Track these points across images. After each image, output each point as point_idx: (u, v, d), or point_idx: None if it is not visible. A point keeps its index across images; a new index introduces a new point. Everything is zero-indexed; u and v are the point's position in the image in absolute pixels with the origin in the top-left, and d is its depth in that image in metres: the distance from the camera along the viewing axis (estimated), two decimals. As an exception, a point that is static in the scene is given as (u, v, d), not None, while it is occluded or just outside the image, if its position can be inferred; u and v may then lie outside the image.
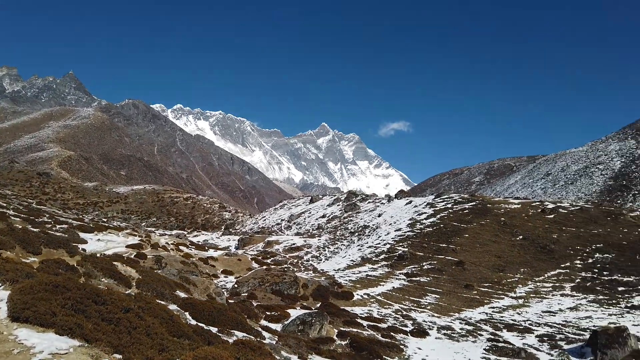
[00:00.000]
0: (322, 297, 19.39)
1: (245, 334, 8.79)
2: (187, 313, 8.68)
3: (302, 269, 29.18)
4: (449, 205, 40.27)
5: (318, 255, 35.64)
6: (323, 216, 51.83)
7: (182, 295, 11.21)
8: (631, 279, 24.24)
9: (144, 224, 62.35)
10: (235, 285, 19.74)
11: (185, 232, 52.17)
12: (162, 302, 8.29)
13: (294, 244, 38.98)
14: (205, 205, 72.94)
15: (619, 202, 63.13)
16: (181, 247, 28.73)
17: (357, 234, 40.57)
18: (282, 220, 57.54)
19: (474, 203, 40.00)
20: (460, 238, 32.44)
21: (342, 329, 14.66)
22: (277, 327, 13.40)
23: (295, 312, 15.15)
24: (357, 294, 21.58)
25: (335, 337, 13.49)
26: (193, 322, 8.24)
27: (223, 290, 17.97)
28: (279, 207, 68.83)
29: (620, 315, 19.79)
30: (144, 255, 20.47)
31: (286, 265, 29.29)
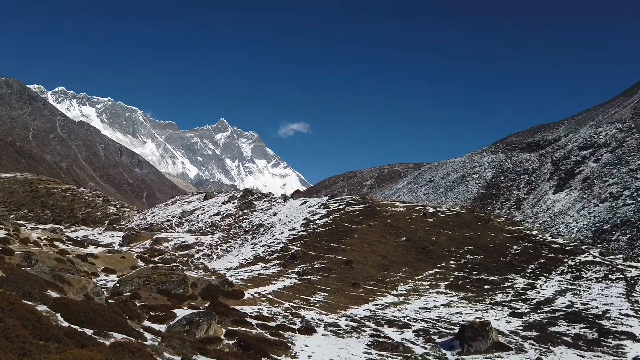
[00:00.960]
0: (212, 297, 18.99)
1: (125, 336, 8.31)
2: (58, 314, 7.98)
3: (193, 267, 28.30)
4: (342, 207, 41.70)
5: (210, 253, 34.82)
6: (217, 214, 50.73)
7: (54, 295, 10.27)
8: (495, 278, 27.12)
9: (12, 216, 55.87)
10: (117, 285, 18.55)
11: (62, 227, 47.70)
12: (29, 303, 7.53)
13: (184, 242, 37.64)
14: (86, 198, 67.34)
15: (489, 208, 70.38)
16: (56, 243, 26.26)
17: (251, 232, 40.34)
18: (173, 216, 55.24)
19: (365, 205, 41.85)
20: (350, 238, 33.71)
21: (230, 328, 14.50)
22: (161, 327, 12.86)
23: (182, 312, 14.66)
24: (248, 293, 21.47)
25: (223, 337, 13.30)
26: (65, 324, 7.60)
27: (103, 290, 16.77)
28: (170, 202, 65.95)
29: (485, 311, 22.07)
30: (11, 251, 18.38)
31: (175, 264, 28.19)
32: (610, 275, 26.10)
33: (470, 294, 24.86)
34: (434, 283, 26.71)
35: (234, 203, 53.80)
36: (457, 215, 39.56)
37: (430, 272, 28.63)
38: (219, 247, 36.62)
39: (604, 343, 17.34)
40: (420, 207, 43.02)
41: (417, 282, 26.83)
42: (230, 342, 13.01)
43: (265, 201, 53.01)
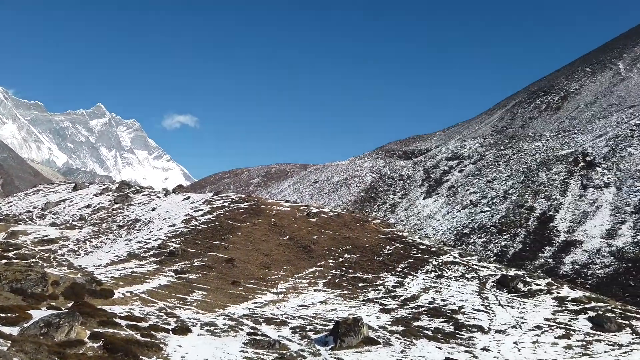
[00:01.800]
0: (76, 296, 17.47)
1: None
2: None
3: (55, 264, 25.73)
4: (226, 204, 41.05)
5: (77, 249, 31.94)
6: (88, 206, 46.70)
7: None
8: (369, 277, 28.76)
9: None
10: (-41, 284, 16.17)
11: None
12: None
13: (47, 236, 34.03)
14: None
15: (367, 210, 74.41)
16: None
17: (126, 227, 37.83)
18: (34, 207, 49.61)
19: (250, 203, 41.66)
20: (233, 236, 33.33)
21: (96, 330, 13.47)
22: (13, 330, 11.51)
23: (39, 313, 13.27)
24: (119, 292, 20.14)
25: (86, 340, 12.32)
26: None
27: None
28: (32, 192, 59.14)
29: (358, 308, 23.32)
30: None
31: (34, 260, 25.37)
32: (466, 275, 29.14)
33: (346, 292, 26.06)
34: (313, 281, 27.52)
35: (107, 195, 49.98)
36: (338, 216, 41.18)
37: (310, 270, 29.44)
38: (87, 242, 33.76)
39: (458, 335, 19.36)
40: (304, 207, 44.01)
41: (297, 280, 27.42)
42: (95, 345, 12.10)
43: (144, 195, 50.07)
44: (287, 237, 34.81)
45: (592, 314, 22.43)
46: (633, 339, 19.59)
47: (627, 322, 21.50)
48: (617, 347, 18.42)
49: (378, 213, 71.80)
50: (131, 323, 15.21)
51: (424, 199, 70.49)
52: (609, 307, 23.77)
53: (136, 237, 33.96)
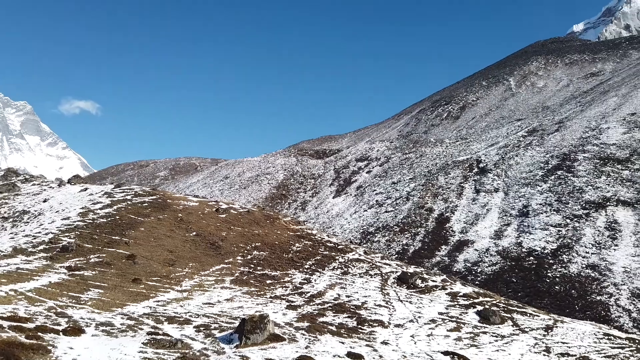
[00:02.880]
0: (-53, 296, 15.52)
1: None
2: None
3: None
4: (129, 197, 38.85)
5: (-51, 243, 28.33)
6: (-35, 195, 41.64)
7: None
8: (277, 273, 28.88)
9: None
10: None
11: None
12: None
13: None
14: None
15: (278, 208, 74.60)
16: None
17: (12, 220, 34.33)
18: None
19: (155, 197, 39.84)
20: (135, 231, 31.70)
21: (-29, 333, 12.10)
22: None
23: None
24: (1, 291, 18.26)
25: (-42, 344, 11.02)
26: None
27: None
28: None
29: (265, 305, 23.32)
30: None
31: None
32: (370, 272, 30.41)
33: (253, 289, 25.94)
34: (219, 278, 27.02)
35: (-10, 184, 44.91)
36: (249, 213, 40.84)
37: (218, 267, 28.88)
38: (-37, 236, 30.13)
39: (360, 330, 20.15)
40: (213, 202, 43.00)
41: (203, 278, 26.75)
42: (-30, 350, 10.87)
43: (34, 184, 45.75)
44: (195, 233, 33.81)
45: (480, 308, 24.52)
46: (513, 330, 21.77)
47: (509, 316, 23.82)
48: (500, 338, 20.35)
49: (289, 210, 72.32)
50: (14, 324, 13.86)
51: (333, 197, 72.24)
52: (494, 302, 26.15)
53: (23, 231, 30.97)
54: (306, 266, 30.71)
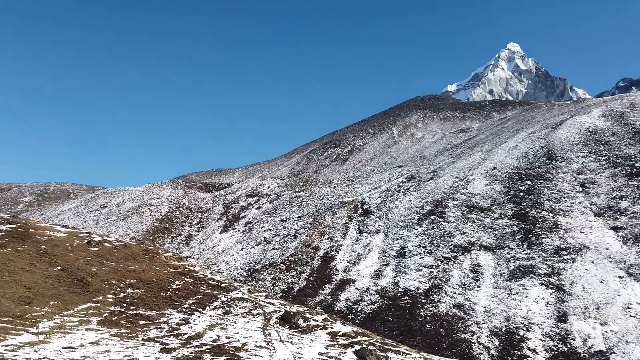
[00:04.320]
0: None
1: None
2: None
3: None
4: (-19, 225, 34.10)
5: None
6: None
7: None
8: (152, 313, 27.03)
9: None
10: None
11: None
12: None
13: None
14: None
15: (160, 242, 70.56)
16: None
17: None
18: None
19: (15, 226, 35.48)
20: (-15, 265, 27.72)
21: None
22: None
23: None
24: None
25: None
26: None
27: None
28: None
29: (136, 348, 21.54)
30: None
31: None
32: (253, 311, 29.85)
33: (124, 330, 23.91)
34: (85, 319, 24.49)
35: None
36: (125, 247, 38.06)
37: (84, 306, 26.22)
38: None
39: (238, 372, 19.45)
40: (85, 234, 39.38)
41: (66, 318, 24.05)
42: None
43: None
44: (60, 267, 30.49)
45: (357, 347, 25.21)
46: (387, 367, 22.63)
47: (384, 355, 24.78)
48: (374, 376, 20.99)
49: (172, 245, 68.80)
50: None
51: (220, 233, 70.41)
52: (371, 341, 27.10)
53: None
54: (185, 305, 29.17)
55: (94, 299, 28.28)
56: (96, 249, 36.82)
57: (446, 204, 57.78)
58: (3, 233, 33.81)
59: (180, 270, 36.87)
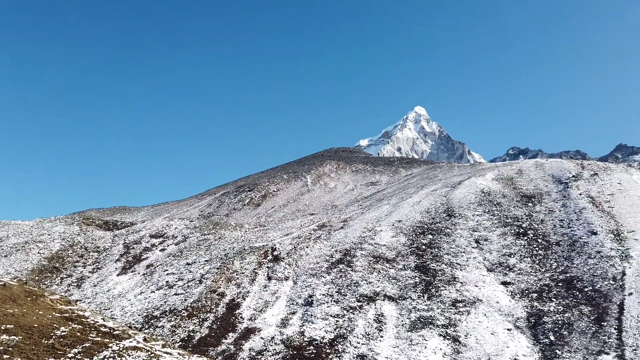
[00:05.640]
0: None
1: None
2: None
3: None
4: None
5: None
6: None
7: None
8: (29, 364, 24.06)
9: None
10: None
11: None
12: None
13: None
14: None
15: (47, 282, 63.86)
16: None
17: None
18: None
19: None
20: None
21: None
22: None
23: None
24: None
25: None
26: None
27: None
28: None
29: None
30: None
31: None
32: (148, 361, 27.69)
33: (-9, 384, 20.94)
34: (-57, 371, 21.14)
35: None
36: (5, 287, 34.03)
37: (-57, 356, 22.67)
38: None
39: None
40: (-45, 271, 34.68)
41: None
42: None
43: None
44: None
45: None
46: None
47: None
48: None
49: (60, 287, 62.55)
50: None
51: (117, 275, 65.49)
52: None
53: None
54: (70, 355, 26.34)
55: (-42, 347, 24.57)
56: (-33, 288, 32.40)
57: (354, 253, 59.12)
58: None
59: (67, 315, 33.45)
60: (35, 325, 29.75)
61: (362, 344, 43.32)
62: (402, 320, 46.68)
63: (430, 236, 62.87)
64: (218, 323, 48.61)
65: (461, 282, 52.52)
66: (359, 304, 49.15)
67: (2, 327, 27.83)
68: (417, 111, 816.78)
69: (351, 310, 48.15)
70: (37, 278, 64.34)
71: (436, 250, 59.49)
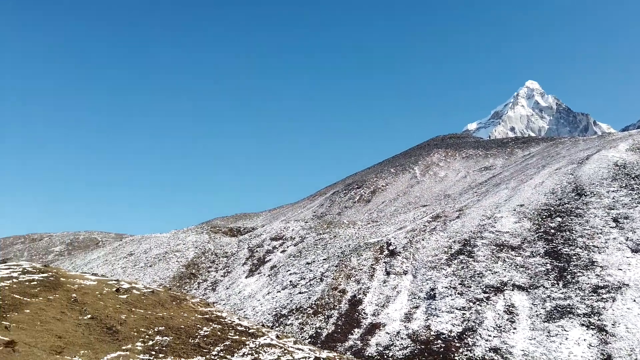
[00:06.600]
0: None
1: None
2: None
3: None
4: (15, 275, 34.79)
5: None
6: None
7: None
8: (181, 361, 26.66)
9: None
10: None
11: None
12: None
13: None
14: None
15: (186, 288, 70.49)
16: None
17: None
18: None
19: (46, 275, 36.08)
20: (19, 314, 28.13)
21: None
22: None
23: None
24: None
25: None
26: None
27: None
28: None
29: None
30: None
31: None
32: (282, 357, 29.18)
33: (153, 380, 23.60)
34: (115, 368, 24.33)
35: None
36: (153, 294, 38.11)
37: (113, 355, 26.11)
38: None
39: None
40: (114, 281, 39.71)
41: (96, 368, 23.94)
42: None
43: None
44: (89, 316, 30.63)
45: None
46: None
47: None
48: None
49: (198, 291, 68.59)
50: None
51: (246, 277, 70.03)
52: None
53: None
54: (213, 352, 28.74)
55: (124, 347, 28.13)
56: (125, 296, 36.94)
57: (475, 242, 56.51)
58: (35, 282, 34.36)
59: (207, 316, 36.56)
60: (182, 326, 32.97)
61: (494, 336, 41.22)
62: (536, 311, 43.52)
63: (559, 219, 57.81)
64: (343, 319, 49.62)
65: (601, 267, 47.50)
66: (486, 295, 46.85)
67: (155, 329, 31.25)
68: (529, 86, 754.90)
69: (478, 302, 46.08)
70: (177, 284, 71.30)
71: (567, 233, 54.53)
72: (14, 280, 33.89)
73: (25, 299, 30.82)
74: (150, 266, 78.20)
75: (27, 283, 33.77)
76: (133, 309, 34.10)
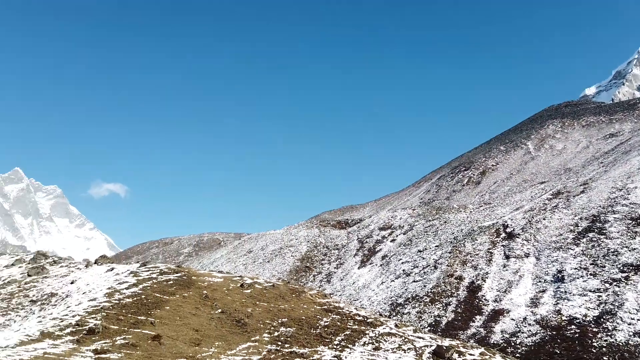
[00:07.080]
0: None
1: None
2: None
3: (-50, 346, 22.61)
4: (154, 276, 38.83)
5: (-22, 328, 28.38)
6: (-5, 279, 42.22)
7: None
8: (305, 351, 27.80)
9: None
10: None
11: None
12: None
13: (-57, 314, 30.06)
14: None
15: (303, 281, 73.31)
16: None
17: (40, 303, 34.41)
18: None
19: (180, 274, 39.76)
20: (161, 310, 31.36)
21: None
22: None
23: None
24: (27, 377, 17.95)
25: None
26: None
27: None
28: None
29: (294, 384, 22.23)
30: None
31: None
32: (403, 346, 29.05)
33: (281, 368, 24.90)
34: (247, 358, 26.11)
35: (20, 267, 45.65)
36: (274, 287, 40.16)
37: (244, 346, 28.02)
38: (-8, 320, 30.17)
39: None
40: (238, 277, 42.57)
41: (230, 358, 25.91)
42: None
43: (62, 266, 46.25)
44: (220, 310, 33.20)
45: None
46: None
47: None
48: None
49: (314, 283, 70.95)
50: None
51: (358, 268, 70.83)
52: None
53: (51, 314, 30.92)
54: (335, 342, 29.52)
55: (252, 339, 30.08)
56: (249, 291, 39.46)
57: (605, 218, 51.12)
58: (171, 281, 38.10)
59: (326, 307, 37.65)
60: (303, 317, 34.34)
61: (638, 319, 37.00)
62: (690, 290, 38.20)
63: None
64: (462, 307, 48.01)
65: None
66: (623, 274, 42.19)
67: (279, 321, 32.94)
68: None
69: (615, 283, 41.68)
70: (294, 277, 74.39)
71: None
72: (154, 280, 37.89)
73: (164, 297, 34.33)
74: (268, 262, 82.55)
75: (164, 282, 37.56)
76: (257, 303, 36.30)
